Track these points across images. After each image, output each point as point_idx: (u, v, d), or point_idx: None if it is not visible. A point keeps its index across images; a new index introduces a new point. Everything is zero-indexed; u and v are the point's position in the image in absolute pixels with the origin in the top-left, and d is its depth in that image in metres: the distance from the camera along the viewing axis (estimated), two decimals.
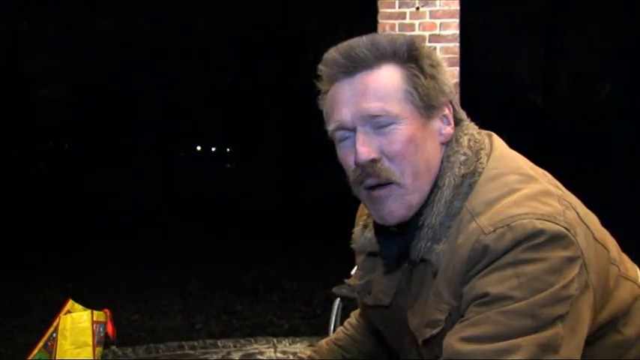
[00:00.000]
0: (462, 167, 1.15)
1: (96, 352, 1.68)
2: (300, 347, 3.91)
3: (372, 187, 1.14)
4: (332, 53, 1.17)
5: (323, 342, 1.53)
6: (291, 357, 3.50)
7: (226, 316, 6.07)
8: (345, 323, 1.56)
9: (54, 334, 1.64)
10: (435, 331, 1.10)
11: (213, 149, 27.56)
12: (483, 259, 1.04)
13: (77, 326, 1.67)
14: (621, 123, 14.86)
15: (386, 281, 1.25)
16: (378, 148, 1.13)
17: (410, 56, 1.15)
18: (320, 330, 4.78)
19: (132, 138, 18.51)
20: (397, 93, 1.13)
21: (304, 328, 5.60)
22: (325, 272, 7.14)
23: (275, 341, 4.05)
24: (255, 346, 3.95)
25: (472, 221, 1.08)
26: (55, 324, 1.67)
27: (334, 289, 3.54)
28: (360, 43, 1.15)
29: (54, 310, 1.72)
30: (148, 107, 17.69)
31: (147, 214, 13.09)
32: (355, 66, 1.14)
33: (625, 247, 1.26)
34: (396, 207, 1.14)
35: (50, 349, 1.66)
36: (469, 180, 1.14)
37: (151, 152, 18.85)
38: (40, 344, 1.68)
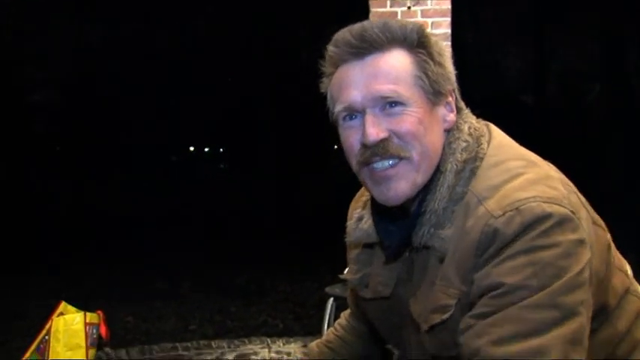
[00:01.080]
0: (463, 153, 1.15)
1: (89, 354, 1.67)
2: (294, 347, 3.91)
3: (378, 168, 1.13)
4: (344, 34, 1.16)
5: (314, 344, 1.52)
6: (285, 357, 3.51)
7: (220, 317, 6.06)
8: (336, 324, 1.55)
9: (46, 337, 1.63)
10: (444, 316, 1.09)
11: (206, 149, 27.48)
12: (494, 243, 1.03)
13: (70, 328, 1.66)
14: (610, 122, 14.93)
15: (386, 272, 1.23)
16: (387, 128, 1.12)
17: (419, 42, 1.15)
18: (314, 330, 4.77)
19: (124, 140, 18.45)
20: (408, 77, 1.13)
21: (298, 328, 5.60)
22: (319, 272, 7.13)
23: (269, 341, 4.05)
24: (250, 346, 3.95)
25: (480, 205, 1.08)
26: (47, 326, 1.66)
27: (327, 289, 3.54)
28: (372, 25, 1.15)
29: (48, 314, 1.71)
30: (140, 109, 17.65)
31: (140, 216, 13.05)
32: (367, 47, 1.13)
33: (617, 245, 1.26)
34: (401, 186, 1.13)
35: (43, 351, 1.65)
36: (471, 165, 1.14)
37: (144, 155, 18.81)
38: (33, 347, 1.67)
